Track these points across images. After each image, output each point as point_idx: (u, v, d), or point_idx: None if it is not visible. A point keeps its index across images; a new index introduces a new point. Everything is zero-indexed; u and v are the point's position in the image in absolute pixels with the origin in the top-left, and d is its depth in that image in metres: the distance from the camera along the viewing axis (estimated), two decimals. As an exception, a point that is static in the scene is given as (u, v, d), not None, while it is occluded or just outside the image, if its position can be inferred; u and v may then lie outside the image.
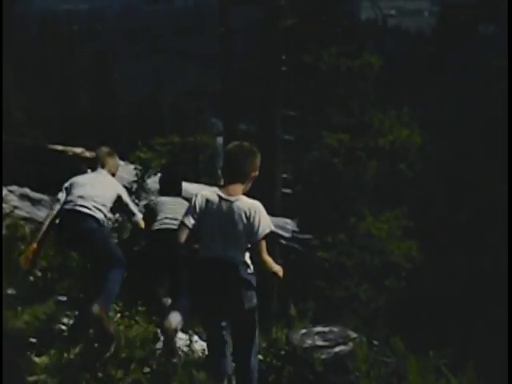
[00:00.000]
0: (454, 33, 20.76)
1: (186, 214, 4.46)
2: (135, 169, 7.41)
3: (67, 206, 5.18)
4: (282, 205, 14.16)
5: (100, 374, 4.25)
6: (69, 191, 5.32)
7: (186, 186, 7.57)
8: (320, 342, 5.47)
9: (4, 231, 6.18)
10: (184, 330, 5.72)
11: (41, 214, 7.15)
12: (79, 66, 22.02)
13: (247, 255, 4.40)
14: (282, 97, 14.25)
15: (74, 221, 5.15)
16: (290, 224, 9.10)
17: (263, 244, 4.36)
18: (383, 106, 14.73)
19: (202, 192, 4.49)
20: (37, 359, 4.23)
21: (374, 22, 22.16)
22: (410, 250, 14.04)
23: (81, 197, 5.22)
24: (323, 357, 5.30)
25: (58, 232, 5.23)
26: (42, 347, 4.37)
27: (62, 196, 5.30)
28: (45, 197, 7.55)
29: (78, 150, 8.34)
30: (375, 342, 6.10)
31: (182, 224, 4.42)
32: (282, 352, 5.32)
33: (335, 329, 5.62)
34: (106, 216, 5.31)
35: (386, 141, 14.27)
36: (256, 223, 4.33)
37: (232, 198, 4.39)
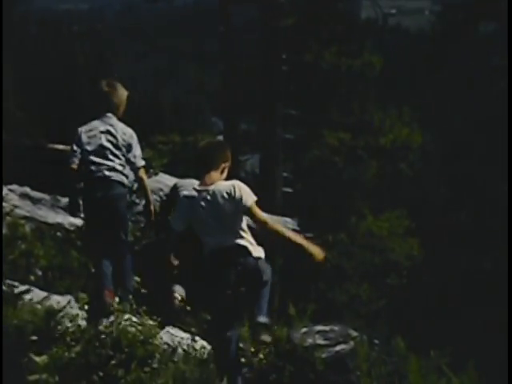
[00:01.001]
0: (454, 32, 20.74)
1: (173, 220, 4.78)
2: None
3: (93, 169, 5.45)
4: (282, 204, 14.16)
5: (101, 373, 4.24)
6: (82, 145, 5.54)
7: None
8: (321, 341, 5.47)
9: (4, 230, 6.17)
10: (185, 329, 5.71)
11: (41, 213, 7.14)
12: (79, 66, 22.00)
13: (245, 229, 4.60)
14: (283, 96, 14.25)
15: (103, 187, 5.50)
16: (290, 223, 9.09)
17: (256, 210, 4.58)
18: (384, 104, 14.73)
19: (181, 194, 4.91)
20: (37, 358, 4.23)
21: (374, 20, 22.12)
22: (411, 249, 14.04)
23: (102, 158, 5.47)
24: (324, 356, 5.30)
25: (84, 198, 5.56)
26: (42, 346, 4.36)
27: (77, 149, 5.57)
28: (45, 196, 7.54)
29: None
30: (376, 341, 6.09)
31: (171, 231, 4.71)
32: (283, 351, 5.31)
33: (336, 328, 5.61)
34: (127, 177, 5.58)
35: (386, 140, 14.27)
36: (238, 196, 4.57)
37: (209, 188, 4.62)
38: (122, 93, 5.77)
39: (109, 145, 5.58)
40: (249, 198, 4.61)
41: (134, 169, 5.66)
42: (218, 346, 4.62)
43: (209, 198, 4.61)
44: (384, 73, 14.57)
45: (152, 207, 5.82)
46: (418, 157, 15.08)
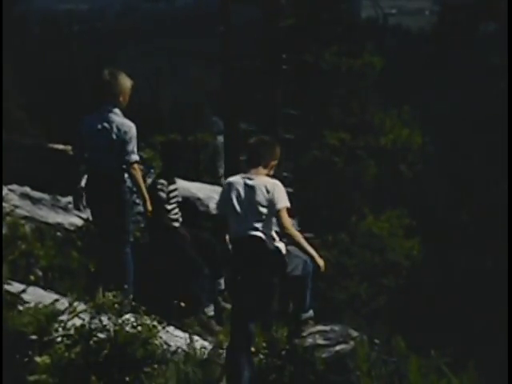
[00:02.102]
0: (455, 32, 20.74)
1: (217, 205, 5.05)
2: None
3: (93, 166, 5.61)
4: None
5: (100, 374, 4.24)
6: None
7: (187, 185, 7.58)
8: (321, 341, 5.46)
9: (4, 230, 6.17)
10: (184, 329, 5.71)
11: (41, 213, 7.15)
12: (79, 66, 22.01)
13: (273, 230, 4.87)
14: (283, 96, 14.24)
15: (102, 184, 5.61)
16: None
17: (284, 215, 4.80)
18: (384, 104, 14.73)
19: (228, 180, 5.04)
20: (38, 358, 4.22)
21: (374, 20, 22.12)
22: (411, 249, 14.03)
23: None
24: (324, 356, 5.29)
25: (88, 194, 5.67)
26: (42, 346, 4.35)
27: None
28: (45, 196, 7.55)
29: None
30: (376, 341, 6.08)
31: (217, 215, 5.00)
32: (283, 351, 5.31)
33: (336, 327, 5.61)
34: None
35: (386, 140, 14.26)
36: (275, 196, 4.81)
37: (253, 177, 4.89)
38: (125, 82, 5.71)
39: (104, 142, 5.57)
40: (282, 201, 4.83)
41: (126, 165, 5.59)
42: (237, 336, 4.76)
43: (249, 188, 4.84)
44: (384, 73, 14.56)
45: (148, 205, 5.74)
46: (418, 157, 15.07)
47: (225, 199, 4.91)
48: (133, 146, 5.61)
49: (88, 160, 5.70)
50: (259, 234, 4.77)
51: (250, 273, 4.73)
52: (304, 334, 5.41)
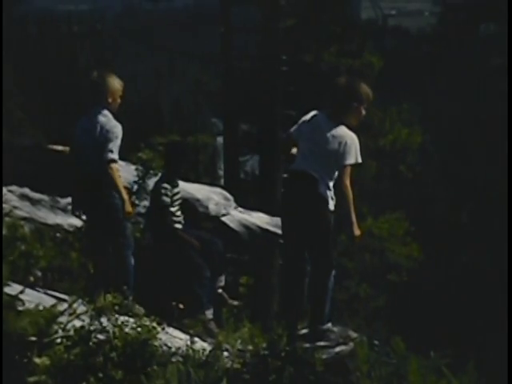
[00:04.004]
0: (455, 32, 20.74)
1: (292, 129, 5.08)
2: (136, 169, 7.45)
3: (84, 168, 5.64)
4: (282, 204, 14.13)
5: (100, 375, 4.24)
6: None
7: (186, 186, 7.57)
8: (320, 342, 5.45)
9: (3, 231, 6.17)
10: (184, 330, 5.71)
11: (40, 213, 7.15)
12: (79, 66, 22.00)
13: (331, 183, 4.83)
14: (283, 96, 14.23)
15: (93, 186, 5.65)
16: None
17: (347, 171, 4.77)
18: (384, 105, 14.72)
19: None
20: (37, 360, 4.22)
21: (374, 21, 22.13)
22: (410, 250, 14.03)
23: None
24: (324, 357, 5.28)
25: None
26: (42, 348, 4.35)
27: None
28: (44, 197, 7.54)
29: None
30: (376, 342, 6.08)
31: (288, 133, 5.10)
32: (283, 352, 5.30)
33: (336, 329, 5.60)
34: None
35: (386, 140, 14.27)
36: (346, 149, 4.74)
37: (334, 122, 4.83)
38: (113, 83, 5.69)
39: (89, 143, 5.59)
40: (351, 157, 4.77)
41: (103, 164, 5.51)
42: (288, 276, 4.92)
43: (326, 131, 4.81)
44: (384, 73, 14.56)
45: (127, 206, 5.58)
46: (417, 157, 15.07)
47: (299, 130, 4.97)
48: (112, 145, 5.51)
49: (77, 162, 5.70)
50: (315, 175, 4.76)
51: (297, 209, 4.79)
52: (323, 343, 5.38)
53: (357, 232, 5.08)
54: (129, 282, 5.67)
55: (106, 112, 5.61)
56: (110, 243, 5.69)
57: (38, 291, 5.52)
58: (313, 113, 5.05)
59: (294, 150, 5.16)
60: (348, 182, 4.78)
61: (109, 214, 5.58)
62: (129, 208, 5.59)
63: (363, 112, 5.15)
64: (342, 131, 4.86)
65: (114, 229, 5.64)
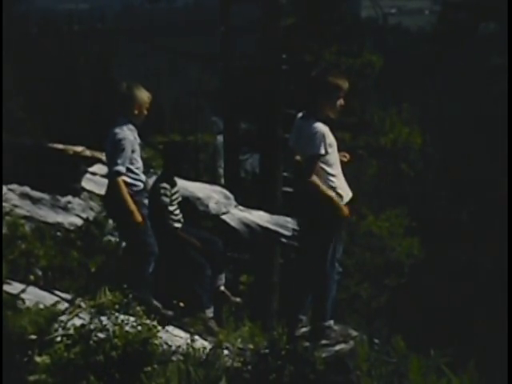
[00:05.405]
0: (455, 31, 20.73)
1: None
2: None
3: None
4: (282, 203, 14.14)
5: (100, 374, 4.23)
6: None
7: (186, 185, 7.56)
8: (321, 341, 5.45)
9: (4, 230, 6.17)
10: (185, 329, 5.71)
11: (41, 212, 7.14)
12: (79, 66, 22.00)
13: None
14: (283, 95, 14.22)
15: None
16: (290, 222, 9.08)
17: (311, 163, 4.95)
18: (384, 104, 14.73)
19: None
20: (37, 358, 4.22)
21: (374, 20, 22.11)
22: (411, 249, 14.03)
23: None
24: (324, 355, 5.28)
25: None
26: (42, 346, 4.35)
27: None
28: (45, 195, 7.54)
29: (79, 148, 8.32)
30: (376, 341, 6.09)
31: None
32: (283, 351, 5.30)
33: (336, 327, 5.60)
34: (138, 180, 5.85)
35: (387, 139, 14.26)
36: (310, 141, 4.87)
37: (311, 120, 4.96)
38: (141, 95, 5.67)
39: (107, 155, 5.76)
40: (313, 148, 4.84)
41: (109, 175, 5.69)
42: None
43: (303, 124, 4.91)
44: (384, 72, 14.56)
45: (137, 217, 5.56)
46: (418, 156, 15.07)
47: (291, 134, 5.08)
48: (118, 157, 5.50)
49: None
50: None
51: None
52: (324, 342, 5.38)
53: (346, 212, 5.19)
54: (141, 288, 5.65)
55: (124, 124, 5.60)
56: (134, 253, 5.79)
57: (39, 289, 5.52)
58: (298, 115, 5.08)
59: (298, 157, 5.18)
60: (312, 174, 4.87)
61: (124, 223, 5.67)
62: (137, 218, 5.56)
63: (340, 102, 5.05)
64: (312, 127, 4.89)
65: (129, 238, 5.77)
